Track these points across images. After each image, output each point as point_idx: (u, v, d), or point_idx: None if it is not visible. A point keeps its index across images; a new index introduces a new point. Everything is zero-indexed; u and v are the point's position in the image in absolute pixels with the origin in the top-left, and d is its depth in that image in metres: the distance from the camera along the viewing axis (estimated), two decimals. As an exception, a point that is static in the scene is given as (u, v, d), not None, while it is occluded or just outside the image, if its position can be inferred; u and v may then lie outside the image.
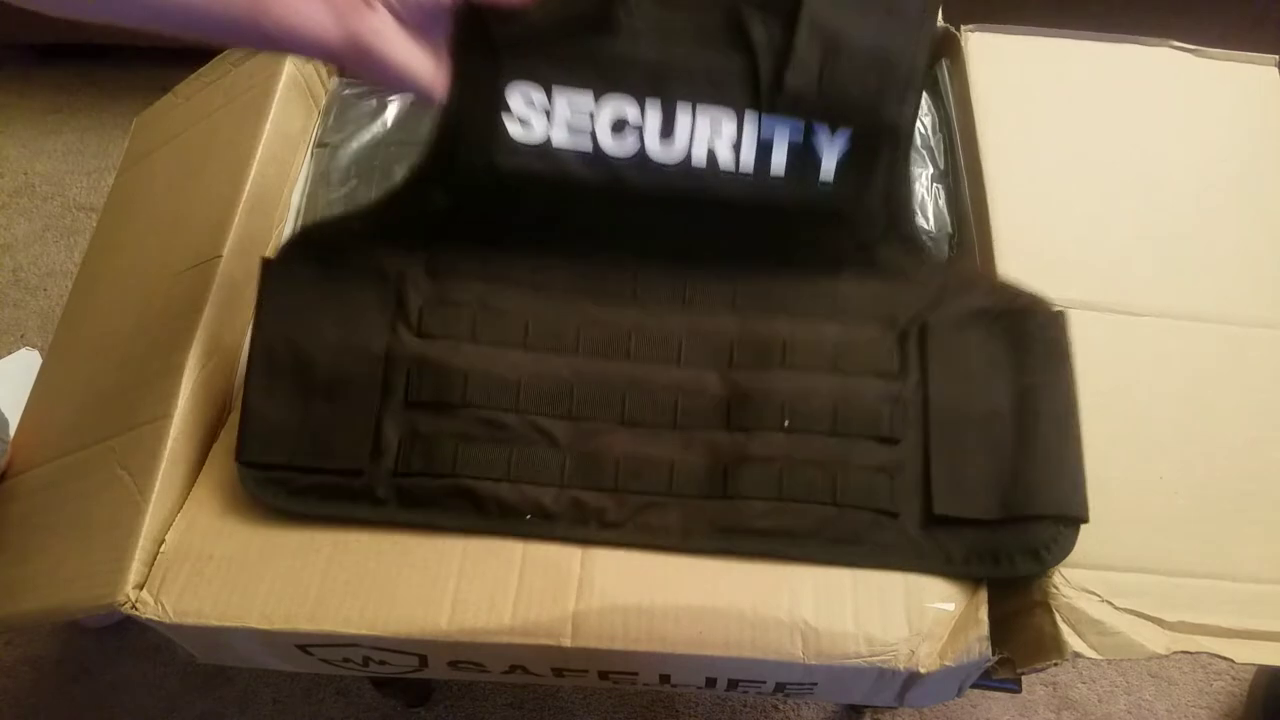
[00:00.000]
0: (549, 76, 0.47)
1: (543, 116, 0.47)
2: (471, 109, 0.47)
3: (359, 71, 0.44)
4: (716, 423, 0.49)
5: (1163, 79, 0.64)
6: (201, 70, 0.72)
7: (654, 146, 0.48)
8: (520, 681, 0.53)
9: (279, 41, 0.40)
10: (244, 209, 0.58)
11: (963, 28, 0.65)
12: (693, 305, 0.52)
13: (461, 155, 0.48)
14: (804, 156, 0.48)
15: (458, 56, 0.46)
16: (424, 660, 0.50)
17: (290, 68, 0.65)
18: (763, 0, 0.48)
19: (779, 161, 0.48)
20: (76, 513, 0.51)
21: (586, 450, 0.48)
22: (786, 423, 0.48)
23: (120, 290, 0.63)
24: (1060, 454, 0.47)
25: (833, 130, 0.48)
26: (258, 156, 0.61)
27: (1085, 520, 0.45)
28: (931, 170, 0.65)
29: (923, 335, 0.51)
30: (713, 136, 0.48)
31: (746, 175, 0.48)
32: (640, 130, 0.48)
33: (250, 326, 0.50)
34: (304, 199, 0.65)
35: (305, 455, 0.48)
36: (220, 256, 0.56)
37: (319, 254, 0.51)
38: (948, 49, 0.67)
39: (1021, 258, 0.55)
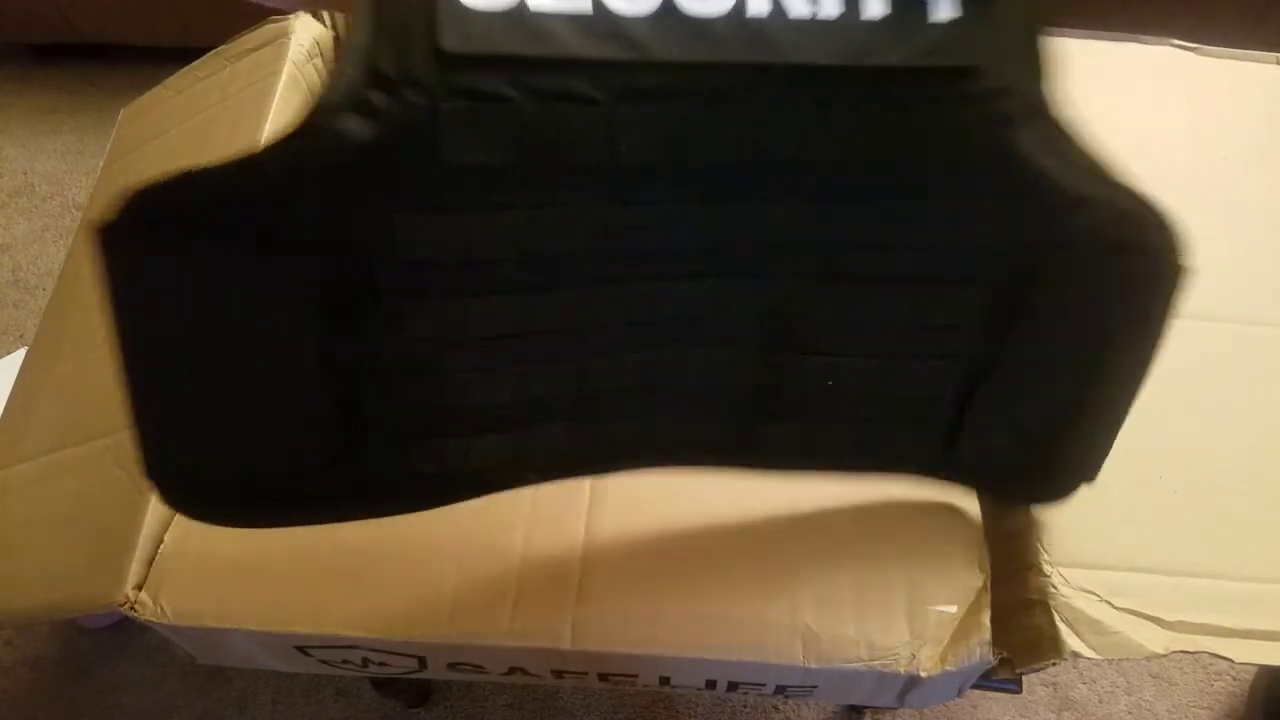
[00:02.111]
0: None
1: None
2: None
3: None
4: (758, 339, 0.40)
5: (1164, 77, 0.64)
6: (194, 64, 0.72)
7: None
8: (520, 682, 0.53)
9: None
10: (243, 208, 0.58)
11: (962, 27, 0.65)
12: (722, 256, 0.38)
13: (385, 54, 0.32)
14: None
15: None
16: (423, 662, 0.50)
17: (290, 66, 0.65)
18: None
19: None
20: (68, 511, 0.50)
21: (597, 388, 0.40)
22: (833, 346, 0.40)
23: (110, 286, 0.62)
24: (1107, 426, 0.43)
25: None
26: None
27: (1091, 481, 0.45)
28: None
29: (1025, 281, 0.39)
30: None
31: (829, 21, 0.33)
32: None
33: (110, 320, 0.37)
34: (303, 198, 0.64)
35: (233, 483, 0.39)
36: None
37: (198, 225, 0.36)
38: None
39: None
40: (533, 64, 0.32)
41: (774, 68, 0.33)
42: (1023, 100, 0.36)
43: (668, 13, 0.32)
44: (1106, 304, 0.40)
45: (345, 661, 0.51)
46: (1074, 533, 0.46)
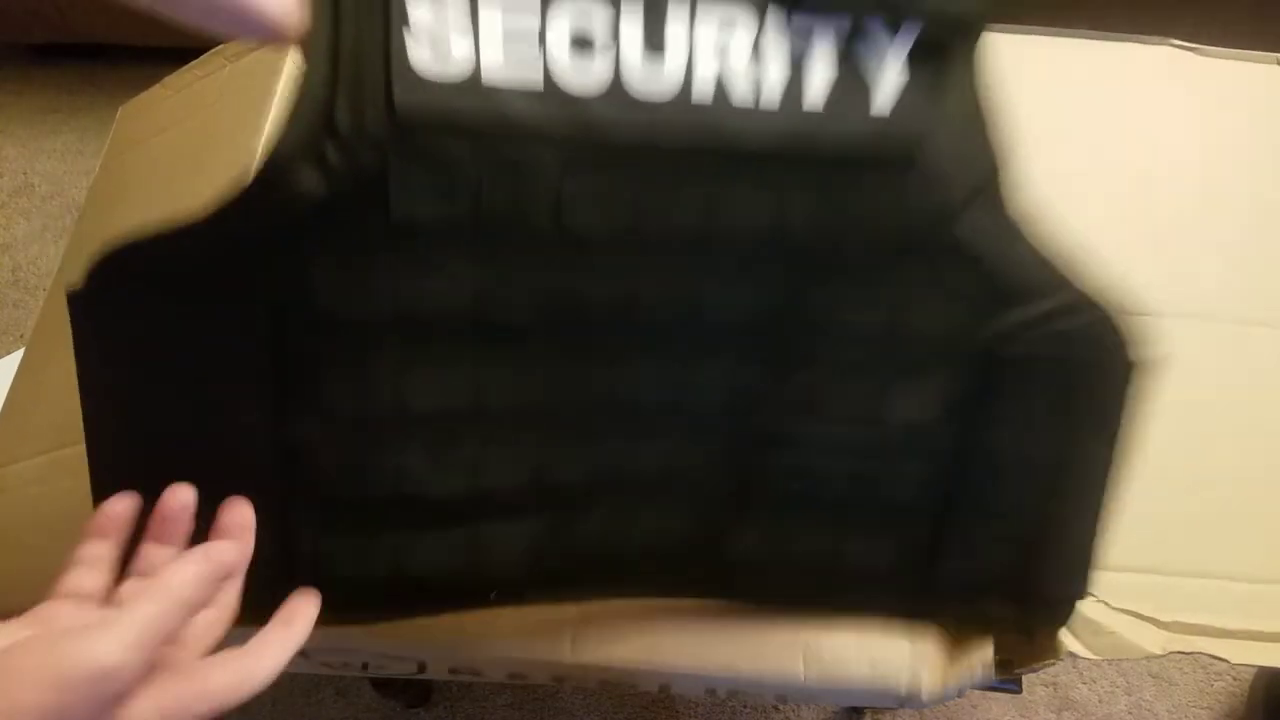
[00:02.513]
0: None
1: (464, 33, 0.32)
2: (353, 34, 0.32)
3: (170, 10, 0.30)
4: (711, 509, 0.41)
5: (1163, 77, 0.64)
6: (193, 63, 0.71)
7: (635, 71, 0.33)
8: (520, 684, 0.53)
9: None
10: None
11: (961, 27, 0.65)
12: (688, 339, 0.38)
13: (341, 106, 0.32)
14: (850, 82, 0.34)
15: None
16: (423, 665, 0.50)
17: (291, 65, 0.65)
18: None
19: (816, 89, 0.33)
20: (68, 510, 0.50)
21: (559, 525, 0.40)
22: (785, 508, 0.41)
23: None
24: (1084, 530, 0.41)
25: (893, 27, 0.33)
26: (258, 154, 0.61)
27: (1080, 597, 0.43)
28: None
29: (988, 367, 0.38)
30: (721, 51, 0.33)
31: (770, 111, 0.33)
32: (614, 46, 0.32)
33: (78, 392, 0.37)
34: (302, 199, 0.64)
35: None
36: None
37: (152, 286, 0.36)
38: (946, 49, 0.67)
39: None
40: (484, 131, 0.32)
41: (718, 152, 0.34)
42: (966, 189, 0.35)
43: (616, 92, 0.33)
44: (1060, 400, 0.39)
45: (345, 665, 0.51)
46: (1072, 533, 0.46)
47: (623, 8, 0.32)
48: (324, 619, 0.37)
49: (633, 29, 0.33)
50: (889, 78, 0.34)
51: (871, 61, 0.34)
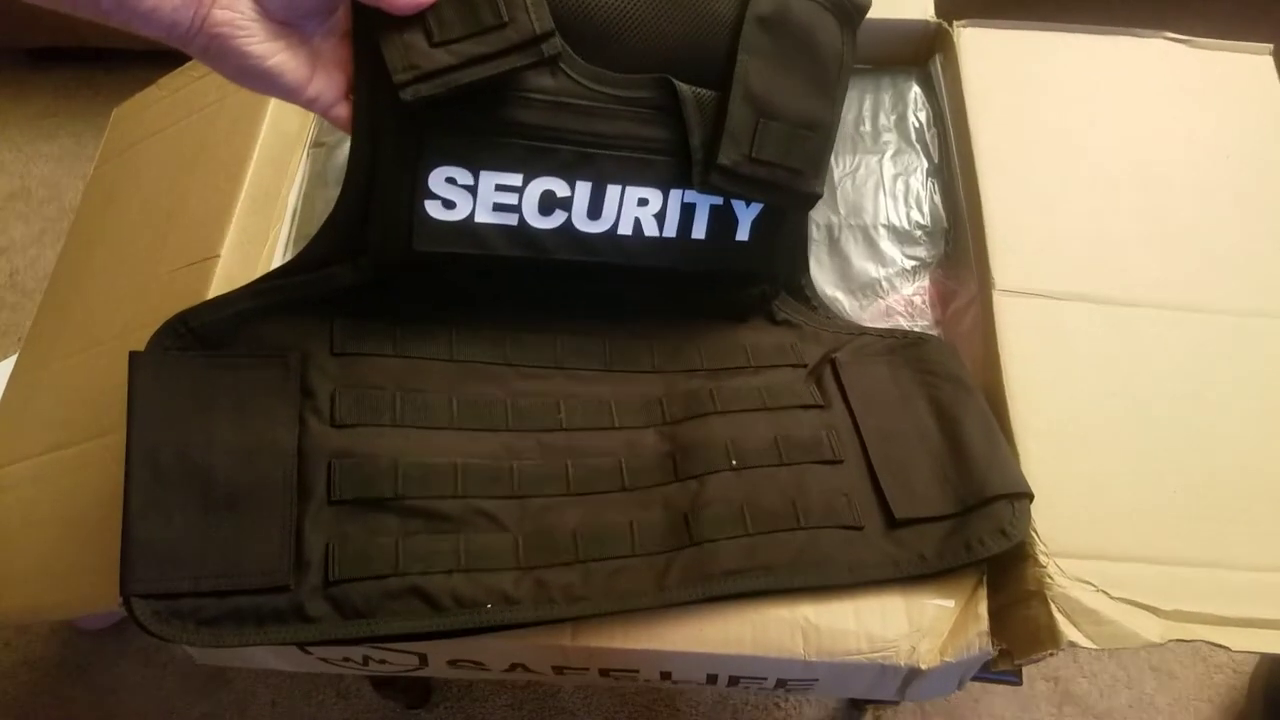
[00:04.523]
0: (476, 159, 0.45)
1: (467, 197, 0.45)
2: (390, 193, 0.45)
3: (213, 65, 0.39)
4: (666, 476, 0.48)
5: (1157, 70, 0.64)
6: (189, 64, 0.72)
7: (581, 222, 0.48)
8: (521, 679, 0.53)
9: (116, 16, 0.36)
10: (242, 208, 0.58)
11: (955, 23, 0.65)
12: (615, 367, 0.52)
13: (375, 238, 0.46)
14: (724, 220, 0.51)
15: (369, 120, 0.43)
16: (424, 659, 0.50)
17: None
18: (693, 70, 0.47)
19: (700, 227, 0.50)
20: (67, 510, 0.50)
21: (539, 528, 0.45)
22: (734, 461, 0.48)
23: (107, 284, 0.62)
24: (992, 447, 0.48)
25: (746, 203, 0.51)
26: (255, 155, 0.61)
27: (1032, 496, 0.47)
28: (926, 164, 0.65)
29: (835, 371, 0.53)
30: (640, 210, 0.49)
31: (669, 240, 0.50)
32: (569, 208, 0.47)
33: (126, 433, 0.42)
34: (300, 199, 0.65)
35: (213, 577, 0.40)
36: (218, 256, 0.56)
37: (201, 341, 0.46)
38: (940, 44, 0.67)
39: (1016, 250, 0.55)
40: (470, 254, 0.47)
41: (630, 267, 0.50)
42: (779, 287, 0.57)
43: (566, 230, 0.48)
44: (900, 372, 0.53)
45: (346, 659, 0.51)
46: (1070, 523, 0.46)
47: (576, 185, 0.47)
48: (332, 634, 0.41)
49: (582, 198, 0.47)
50: (748, 219, 0.51)
51: (738, 211, 0.51)
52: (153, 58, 0.72)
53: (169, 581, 0.40)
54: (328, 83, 0.43)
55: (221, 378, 0.45)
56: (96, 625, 0.99)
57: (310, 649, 0.49)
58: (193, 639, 0.40)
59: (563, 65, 0.45)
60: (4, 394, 0.61)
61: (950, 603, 0.46)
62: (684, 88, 0.47)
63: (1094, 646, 0.42)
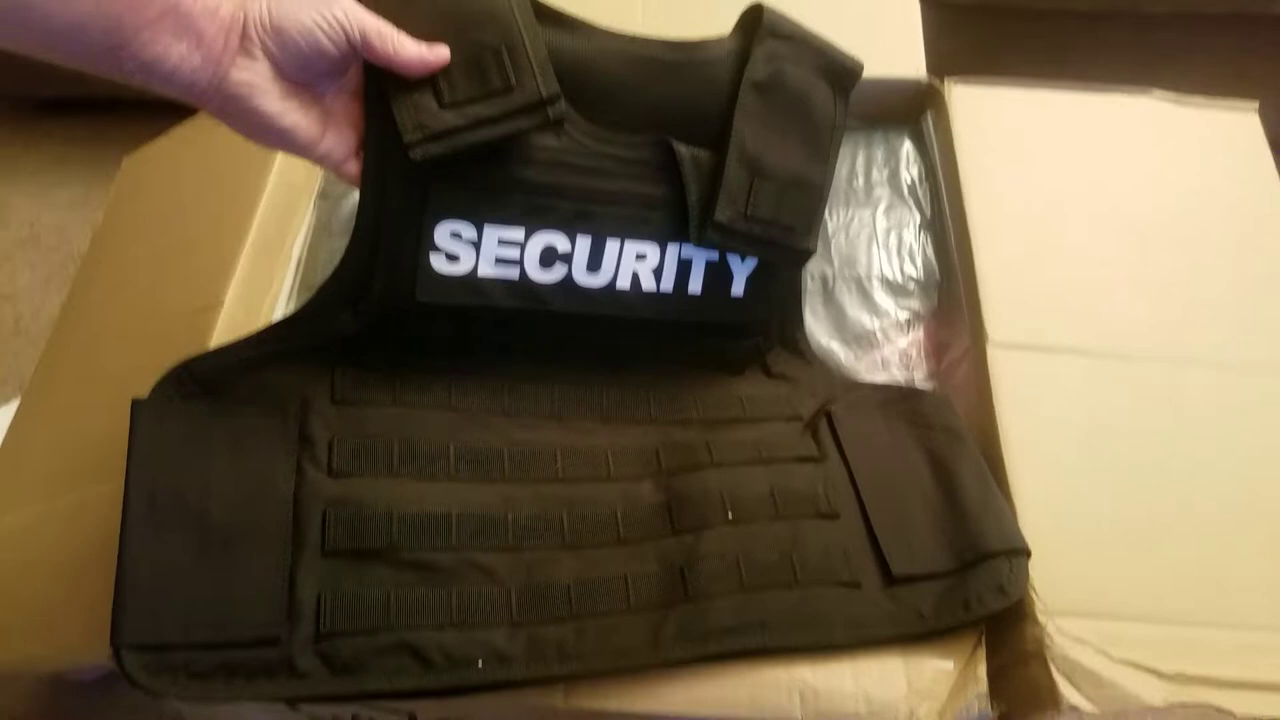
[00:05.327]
0: (480, 213, 0.46)
1: (471, 250, 0.46)
2: (396, 246, 0.46)
3: (229, 122, 0.41)
4: (661, 530, 0.47)
5: (1145, 127, 0.65)
6: (199, 115, 0.73)
7: (580, 275, 0.48)
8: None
9: (137, 77, 0.37)
10: (247, 257, 0.59)
11: (946, 80, 0.67)
12: (612, 419, 0.52)
13: (378, 286, 0.46)
14: (720, 275, 0.52)
15: (377, 176, 0.44)
16: (413, 716, 0.49)
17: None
18: (691, 131, 0.48)
19: (696, 281, 0.51)
20: (64, 559, 0.50)
21: (533, 581, 0.44)
22: (730, 514, 0.47)
23: (110, 330, 0.63)
24: (988, 500, 0.48)
25: (741, 258, 0.51)
26: (262, 205, 0.62)
27: (1029, 553, 0.46)
28: (919, 218, 0.66)
29: (831, 423, 0.53)
30: (638, 264, 0.49)
31: (666, 294, 0.51)
32: (569, 261, 0.48)
33: (125, 479, 0.42)
34: (305, 249, 0.65)
35: (205, 628, 0.40)
36: (222, 304, 0.56)
37: (204, 388, 0.46)
38: (932, 101, 0.68)
39: (1008, 303, 0.56)
40: (471, 307, 0.47)
41: (628, 319, 0.51)
42: (774, 340, 0.57)
43: (565, 283, 0.48)
44: (894, 423, 0.53)
45: (335, 716, 0.50)
46: (1068, 581, 0.46)
47: (577, 239, 0.48)
48: (320, 690, 0.41)
49: (582, 252, 0.48)
50: (743, 275, 0.52)
51: (733, 267, 0.52)
52: (164, 108, 0.73)
53: (161, 632, 0.39)
54: (338, 140, 0.44)
55: (222, 425, 0.45)
56: (84, 677, 0.97)
57: (299, 706, 0.48)
58: (183, 692, 0.39)
59: (566, 125, 0.46)
60: (3, 441, 0.61)
61: (949, 664, 0.45)
62: (683, 149, 0.48)
63: (1095, 710, 0.42)
